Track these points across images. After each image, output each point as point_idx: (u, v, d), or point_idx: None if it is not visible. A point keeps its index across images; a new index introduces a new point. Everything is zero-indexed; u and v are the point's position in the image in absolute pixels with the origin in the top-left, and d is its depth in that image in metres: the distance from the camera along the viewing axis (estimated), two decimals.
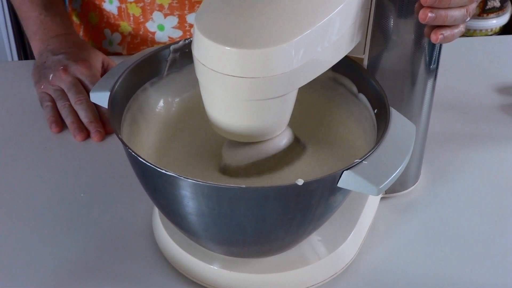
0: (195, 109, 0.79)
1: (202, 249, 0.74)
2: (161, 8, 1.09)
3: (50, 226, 0.82)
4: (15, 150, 0.94)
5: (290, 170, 0.75)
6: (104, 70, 1.04)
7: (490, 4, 1.99)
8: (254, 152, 0.74)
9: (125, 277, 0.76)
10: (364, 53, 0.76)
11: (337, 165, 0.66)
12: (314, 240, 0.77)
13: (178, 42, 0.78)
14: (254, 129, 0.69)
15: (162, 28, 1.11)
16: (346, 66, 0.76)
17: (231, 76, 0.63)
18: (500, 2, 2.01)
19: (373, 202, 0.83)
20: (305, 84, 0.67)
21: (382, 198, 0.86)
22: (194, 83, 0.71)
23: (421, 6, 0.69)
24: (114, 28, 1.13)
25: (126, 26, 1.12)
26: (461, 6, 0.70)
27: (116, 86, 0.72)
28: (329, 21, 0.66)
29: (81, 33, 1.19)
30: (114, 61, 1.05)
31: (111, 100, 0.71)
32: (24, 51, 1.90)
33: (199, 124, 0.79)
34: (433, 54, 0.77)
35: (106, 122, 0.97)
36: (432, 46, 0.76)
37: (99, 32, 1.16)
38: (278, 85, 0.65)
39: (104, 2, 1.12)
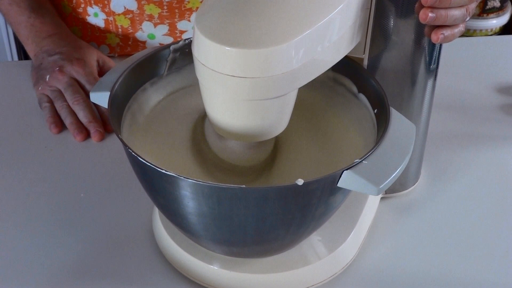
0: (195, 109, 0.79)
1: (202, 249, 0.74)
2: (151, 18, 1.08)
3: (50, 226, 0.82)
4: (15, 150, 0.94)
5: (290, 170, 0.75)
6: (100, 67, 1.04)
7: (490, 4, 1.99)
8: (254, 152, 0.74)
9: (125, 277, 0.76)
10: (364, 53, 0.76)
11: (337, 165, 0.66)
12: (314, 240, 0.77)
13: (178, 42, 0.78)
14: (254, 129, 0.69)
15: (153, 37, 1.10)
16: (346, 66, 0.76)
17: (231, 76, 0.63)
18: (500, 2, 2.01)
19: (373, 202, 0.83)
20: (305, 84, 0.67)
21: (382, 198, 0.86)
22: (194, 83, 0.71)
23: (422, 6, 0.69)
24: (100, 40, 1.12)
25: (113, 37, 1.11)
26: (461, 6, 0.70)
27: (116, 86, 0.72)
28: (329, 21, 0.65)
29: None
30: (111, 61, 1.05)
31: (111, 100, 0.71)
32: (24, 51, 1.89)
33: (199, 124, 0.79)
34: (433, 54, 0.77)
35: (106, 121, 0.97)
36: (432, 46, 0.76)
37: None
38: (278, 85, 0.65)
39: (89, 16, 1.10)
